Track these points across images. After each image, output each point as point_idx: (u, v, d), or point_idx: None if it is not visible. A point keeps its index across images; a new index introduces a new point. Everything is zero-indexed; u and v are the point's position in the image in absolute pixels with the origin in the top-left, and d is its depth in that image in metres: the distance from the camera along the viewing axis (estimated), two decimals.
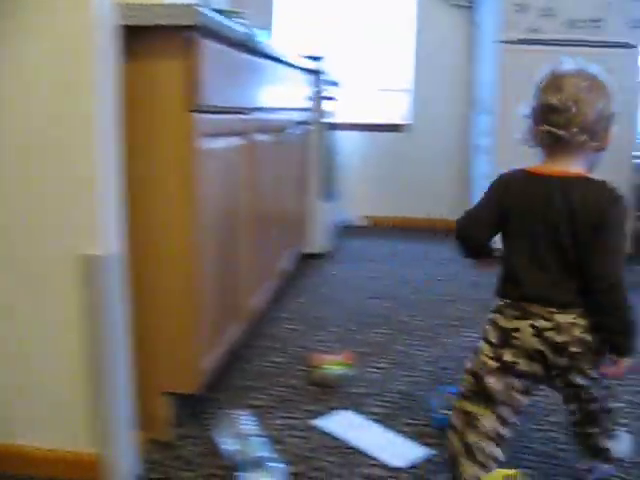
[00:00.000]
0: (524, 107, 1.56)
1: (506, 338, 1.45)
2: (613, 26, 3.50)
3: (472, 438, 1.44)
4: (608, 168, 3.34)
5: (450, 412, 1.55)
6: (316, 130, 3.49)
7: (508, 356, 1.43)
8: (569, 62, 1.50)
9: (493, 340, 1.48)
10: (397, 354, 2.33)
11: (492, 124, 3.68)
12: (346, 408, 1.91)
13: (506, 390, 1.44)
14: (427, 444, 1.72)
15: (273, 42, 4.04)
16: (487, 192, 1.58)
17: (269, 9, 4.35)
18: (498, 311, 1.50)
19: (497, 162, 3.66)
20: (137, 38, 1.46)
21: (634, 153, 3.83)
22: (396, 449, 1.70)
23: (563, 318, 1.37)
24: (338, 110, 4.13)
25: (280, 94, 2.63)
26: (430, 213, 4.58)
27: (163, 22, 1.44)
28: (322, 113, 3.50)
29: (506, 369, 1.44)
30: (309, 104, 3.38)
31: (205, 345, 1.70)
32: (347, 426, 1.81)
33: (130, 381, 1.52)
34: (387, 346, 2.40)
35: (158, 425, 1.67)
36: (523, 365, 1.42)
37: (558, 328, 1.37)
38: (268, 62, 2.32)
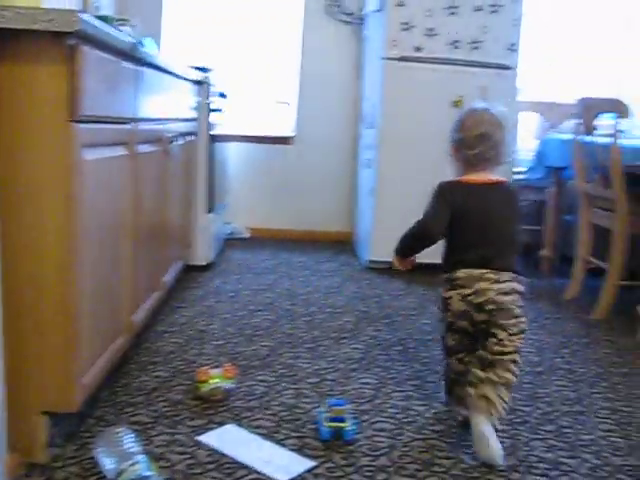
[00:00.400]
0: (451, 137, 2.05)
1: (446, 303, 1.93)
2: (492, 48, 3.69)
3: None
4: None
5: (333, 424, 1.70)
6: (202, 141, 3.46)
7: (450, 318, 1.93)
8: (481, 103, 2.08)
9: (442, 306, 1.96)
10: (281, 367, 2.34)
11: (376, 138, 3.77)
12: (230, 423, 1.89)
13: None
14: (313, 457, 1.73)
15: (160, 52, 4.05)
16: (437, 198, 1.99)
17: (158, 18, 4.28)
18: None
19: (380, 176, 3.75)
20: (12, 42, 1.41)
21: (513, 169, 4.04)
22: (280, 463, 1.70)
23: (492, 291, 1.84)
24: (225, 122, 4.12)
25: (166, 105, 2.59)
26: (315, 225, 4.63)
27: (40, 27, 1.38)
28: (209, 124, 3.48)
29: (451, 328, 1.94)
30: (196, 115, 3.35)
31: (85, 361, 1.64)
32: (231, 441, 1.79)
33: (1, 401, 1.44)
34: (271, 359, 2.41)
35: (33, 446, 1.59)
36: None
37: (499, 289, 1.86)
38: (154, 72, 2.29)
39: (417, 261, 2.16)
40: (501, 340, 1.83)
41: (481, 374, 1.82)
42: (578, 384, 2.36)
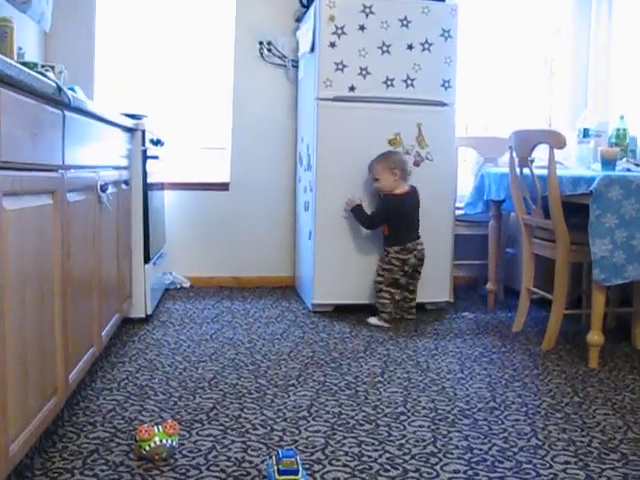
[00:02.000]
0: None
1: (404, 262, 3.60)
2: (425, 85, 3.71)
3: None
4: (434, 220, 3.54)
5: (285, 477, 1.61)
6: (137, 189, 3.37)
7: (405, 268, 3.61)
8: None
9: (398, 264, 3.61)
10: (227, 419, 2.23)
11: (313, 180, 3.74)
12: None
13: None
14: None
15: (93, 99, 3.97)
16: (386, 207, 3.61)
17: (90, 66, 4.20)
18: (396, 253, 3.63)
19: (318, 219, 3.71)
20: None
21: (456, 205, 4.06)
22: None
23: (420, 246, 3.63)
24: (162, 169, 4.04)
25: (97, 152, 2.50)
26: (257, 271, 4.56)
27: None
28: (144, 172, 3.39)
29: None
30: (131, 163, 3.26)
31: (12, 428, 1.52)
32: None
33: None
34: (216, 412, 2.30)
35: None
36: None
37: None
38: (83, 118, 2.20)
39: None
40: (420, 272, 3.68)
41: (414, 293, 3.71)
42: (532, 417, 2.32)
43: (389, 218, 3.59)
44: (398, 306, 3.68)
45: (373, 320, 3.61)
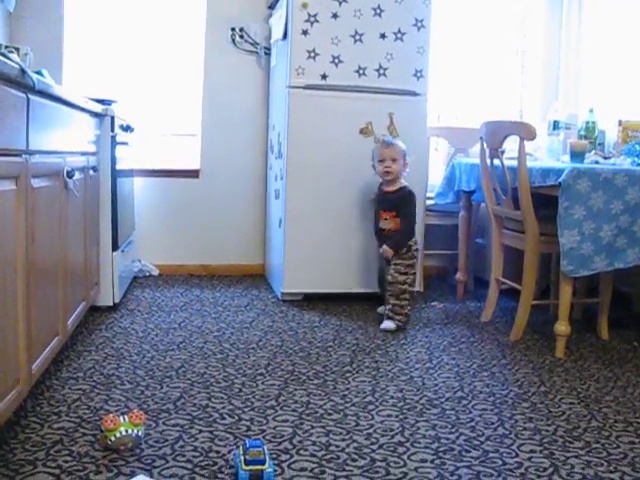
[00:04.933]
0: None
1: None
2: (397, 75, 3.70)
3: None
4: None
5: (252, 467, 1.61)
6: (106, 176, 3.32)
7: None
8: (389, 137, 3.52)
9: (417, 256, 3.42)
10: (195, 409, 2.22)
11: (284, 168, 3.72)
12: (141, 473, 1.76)
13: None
14: None
15: (62, 84, 3.89)
16: (413, 201, 3.39)
17: (59, 50, 4.11)
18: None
19: (288, 207, 3.69)
20: None
21: (427, 195, 4.06)
22: None
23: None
24: (131, 155, 3.99)
25: (64, 137, 2.45)
26: (227, 259, 4.53)
27: None
28: (113, 158, 3.34)
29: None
30: (99, 149, 3.21)
31: None
32: None
33: None
34: (183, 401, 2.28)
35: None
36: None
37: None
38: (49, 102, 2.15)
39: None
40: None
41: None
42: (500, 407, 2.33)
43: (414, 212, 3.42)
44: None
45: (390, 325, 3.30)
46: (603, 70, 4.46)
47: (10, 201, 1.76)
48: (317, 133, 3.64)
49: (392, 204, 3.36)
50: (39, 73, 2.30)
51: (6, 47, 2.32)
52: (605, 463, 1.92)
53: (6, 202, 1.73)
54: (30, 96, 1.91)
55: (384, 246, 3.34)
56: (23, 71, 1.76)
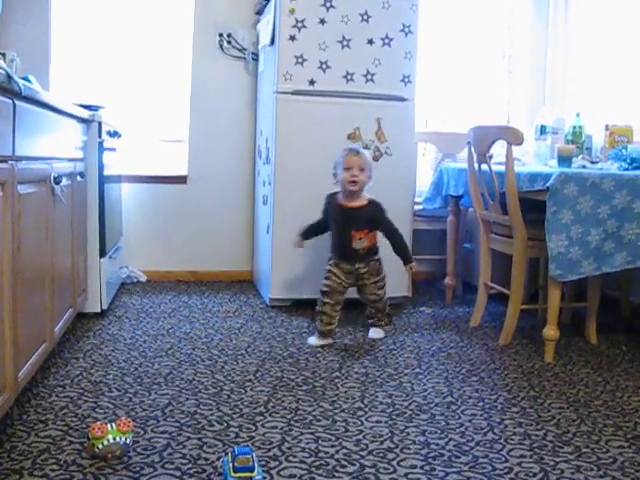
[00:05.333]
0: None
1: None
2: (385, 80, 3.71)
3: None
4: (392, 215, 3.49)
5: (241, 474, 1.60)
6: (93, 182, 3.30)
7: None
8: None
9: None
10: (183, 416, 2.20)
11: (271, 174, 3.71)
12: None
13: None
14: None
15: (49, 90, 3.87)
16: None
17: (46, 56, 4.09)
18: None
19: (276, 212, 3.69)
20: None
21: (415, 200, 4.06)
22: None
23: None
24: (119, 161, 3.97)
25: (51, 143, 2.44)
26: (215, 265, 4.52)
27: None
28: (101, 164, 3.32)
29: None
30: (86, 155, 3.20)
31: None
32: None
33: None
34: (172, 408, 2.27)
35: None
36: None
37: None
38: (35, 108, 2.14)
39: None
40: None
41: None
42: (489, 412, 2.33)
43: None
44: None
45: (380, 334, 3.30)
46: (590, 75, 4.48)
47: None
48: (305, 139, 3.64)
49: (364, 221, 3.10)
50: (26, 79, 2.28)
51: None
52: (595, 468, 1.92)
53: None
54: (16, 102, 1.90)
55: (412, 264, 3.18)
56: (9, 77, 1.75)
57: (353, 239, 3.09)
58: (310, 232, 3.28)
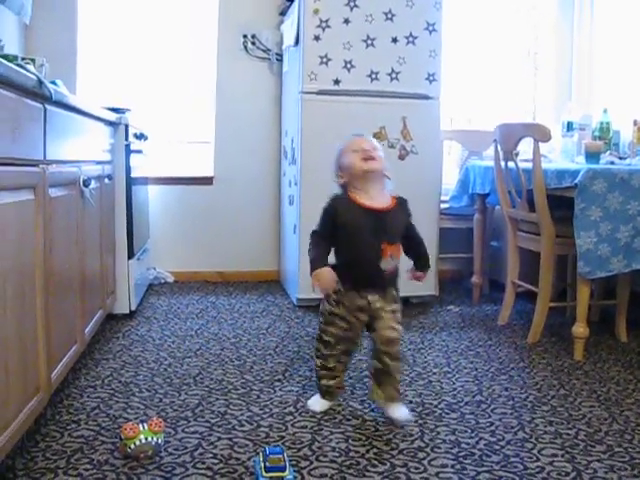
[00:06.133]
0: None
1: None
2: (410, 79, 3.70)
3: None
4: (418, 214, 3.48)
5: (272, 474, 1.61)
6: (121, 184, 3.33)
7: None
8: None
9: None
10: (213, 416, 2.22)
11: (297, 174, 3.72)
12: None
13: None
14: None
15: (75, 93, 3.91)
16: None
17: (73, 60, 4.14)
18: None
19: (302, 213, 3.69)
20: None
21: (441, 198, 4.05)
22: None
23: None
24: (146, 163, 4.00)
25: (80, 146, 2.47)
26: (242, 266, 4.53)
27: None
28: (128, 167, 3.35)
29: None
30: (114, 158, 3.23)
31: None
32: None
33: None
34: (202, 408, 2.28)
35: None
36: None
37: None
38: (65, 112, 2.17)
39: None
40: None
41: None
42: (519, 410, 2.32)
43: None
44: None
45: (405, 411, 2.23)
46: (616, 70, 4.43)
47: (29, 211, 1.77)
48: (330, 138, 3.61)
49: (397, 228, 2.21)
50: (54, 83, 2.31)
51: (22, 59, 2.33)
52: (629, 467, 1.90)
53: (25, 212, 1.74)
54: (47, 106, 1.92)
55: (420, 272, 2.32)
56: (40, 82, 1.78)
57: (383, 255, 2.14)
58: (324, 256, 2.20)
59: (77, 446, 1.95)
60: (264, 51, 4.40)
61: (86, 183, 2.43)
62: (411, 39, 3.67)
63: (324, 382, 2.30)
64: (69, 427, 2.09)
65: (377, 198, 2.19)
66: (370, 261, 2.15)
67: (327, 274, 2.14)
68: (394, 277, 2.23)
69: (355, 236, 2.15)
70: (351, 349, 2.32)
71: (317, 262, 2.16)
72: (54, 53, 3.88)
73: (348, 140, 2.29)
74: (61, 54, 4.03)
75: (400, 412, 2.20)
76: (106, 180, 3.03)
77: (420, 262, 2.32)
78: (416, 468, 1.87)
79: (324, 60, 3.60)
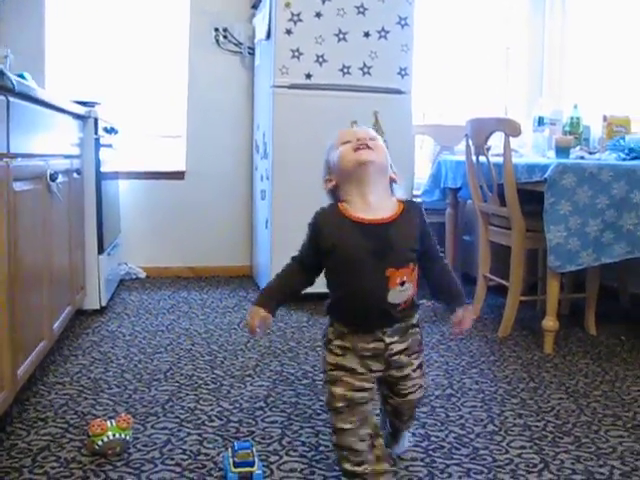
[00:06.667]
0: None
1: None
2: (382, 73, 3.70)
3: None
4: None
5: (241, 469, 1.60)
6: (90, 179, 3.29)
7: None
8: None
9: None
10: (183, 411, 2.20)
11: (269, 169, 3.70)
12: (130, 478, 1.74)
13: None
14: None
15: (44, 87, 3.86)
16: None
17: (41, 53, 4.08)
18: None
19: (274, 207, 3.68)
20: None
21: (413, 193, 4.05)
22: None
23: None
24: (116, 158, 3.96)
25: (47, 140, 2.43)
26: (214, 261, 4.51)
27: None
28: (97, 161, 3.32)
29: None
30: (83, 152, 3.19)
31: None
32: None
33: None
34: (172, 404, 2.26)
35: None
36: None
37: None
38: (30, 105, 2.13)
39: None
40: None
41: None
42: (489, 403, 2.33)
43: None
44: None
45: (409, 441, 1.97)
46: (587, 66, 4.47)
47: None
48: (302, 133, 3.63)
49: (407, 245, 1.63)
50: (21, 76, 2.28)
51: None
52: (595, 457, 1.92)
53: None
54: (10, 98, 1.89)
55: (466, 312, 1.70)
56: (2, 73, 1.75)
57: (389, 285, 1.57)
58: (279, 291, 1.81)
59: (44, 444, 1.93)
60: (236, 45, 4.38)
61: (53, 177, 2.40)
62: (383, 33, 3.67)
63: (347, 467, 1.59)
64: (36, 425, 2.06)
65: (377, 205, 1.61)
66: (373, 295, 1.58)
67: (255, 317, 1.65)
68: (411, 310, 1.68)
69: (348, 263, 1.59)
70: (367, 415, 1.62)
71: (261, 296, 1.73)
72: (22, 47, 3.83)
73: (340, 131, 1.77)
74: (29, 48, 3.97)
75: (404, 445, 1.93)
76: (75, 174, 2.99)
77: (450, 296, 1.73)
78: None
79: (296, 54, 3.58)
